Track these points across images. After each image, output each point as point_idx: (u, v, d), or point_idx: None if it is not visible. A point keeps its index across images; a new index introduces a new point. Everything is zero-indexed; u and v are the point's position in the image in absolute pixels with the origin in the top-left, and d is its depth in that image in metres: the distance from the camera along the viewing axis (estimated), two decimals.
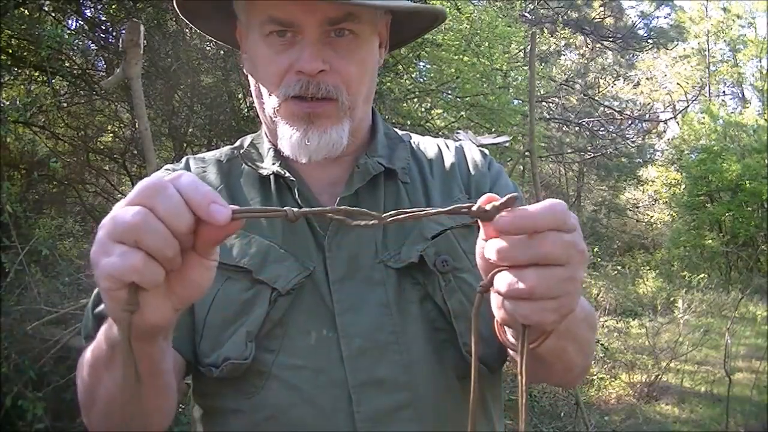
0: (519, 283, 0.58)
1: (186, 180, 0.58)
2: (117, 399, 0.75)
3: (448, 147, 1.06)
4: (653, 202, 17.21)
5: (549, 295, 0.59)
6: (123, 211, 0.57)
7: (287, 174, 0.95)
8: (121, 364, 0.68)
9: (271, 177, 0.96)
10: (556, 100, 12.74)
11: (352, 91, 0.90)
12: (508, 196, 0.60)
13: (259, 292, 0.88)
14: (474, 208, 0.61)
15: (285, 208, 0.61)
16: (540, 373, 0.88)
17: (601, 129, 14.31)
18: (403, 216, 0.63)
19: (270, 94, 0.92)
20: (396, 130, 1.08)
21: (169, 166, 1.03)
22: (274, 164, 0.96)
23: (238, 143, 1.05)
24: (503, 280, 0.59)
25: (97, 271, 0.58)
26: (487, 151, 1.07)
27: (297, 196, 0.94)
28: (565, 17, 13.48)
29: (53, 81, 4.00)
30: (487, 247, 0.60)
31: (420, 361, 0.88)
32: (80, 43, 4.56)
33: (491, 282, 0.61)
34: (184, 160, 1.03)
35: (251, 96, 1.00)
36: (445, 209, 0.63)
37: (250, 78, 0.97)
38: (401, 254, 0.91)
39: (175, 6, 0.96)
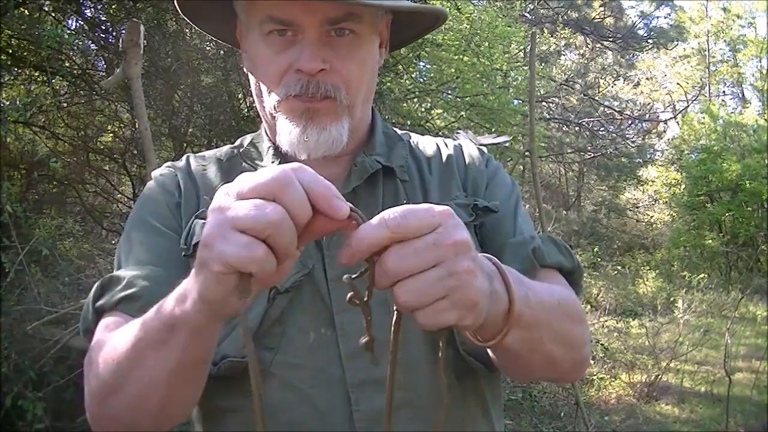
0: (398, 299, 0.60)
1: (308, 172, 0.59)
2: (162, 381, 0.74)
3: (446, 145, 1.06)
4: (653, 202, 17.21)
5: (429, 300, 0.59)
6: (258, 204, 0.57)
7: None
8: (182, 347, 0.70)
9: None
10: (556, 100, 12.75)
11: (351, 91, 0.90)
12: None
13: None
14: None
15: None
16: (521, 368, 0.87)
17: (601, 129, 14.33)
18: None
19: (270, 93, 0.92)
20: (395, 129, 1.08)
21: (169, 163, 1.03)
22: (273, 162, 0.96)
23: (238, 142, 1.05)
24: (394, 302, 0.61)
25: (210, 253, 0.59)
26: (485, 150, 1.07)
27: None
28: (565, 17, 13.48)
29: (53, 81, 4.00)
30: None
31: (418, 361, 0.88)
32: (80, 43, 4.56)
33: None
34: (184, 157, 1.03)
35: (251, 96, 1.00)
36: None
37: (250, 77, 0.97)
38: None
39: (176, 5, 0.97)
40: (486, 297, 0.64)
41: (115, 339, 0.79)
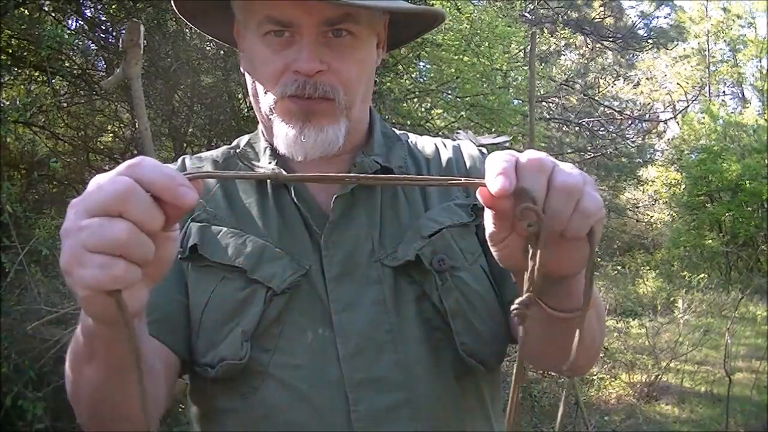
0: (589, 207, 0.62)
1: (147, 167, 0.58)
2: (101, 389, 0.75)
3: (445, 146, 1.06)
4: (653, 202, 17.21)
5: (579, 185, 0.62)
6: (104, 224, 0.56)
7: (284, 173, 0.95)
8: (103, 355, 0.70)
9: None
10: (556, 100, 12.73)
11: (349, 92, 0.90)
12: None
13: (254, 292, 0.87)
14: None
15: (275, 172, 0.64)
16: (562, 351, 0.86)
17: (601, 129, 14.30)
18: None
19: (266, 93, 0.92)
20: (394, 129, 1.08)
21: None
22: (270, 163, 0.96)
23: (234, 143, 1.05)
24: (556, 202, 0.61)
25: (71, 280, 0.58)
26: (485, 150, 1.07)
27: (293, 195, 0.94)
28: (565, 17, 13.48)
29: (53, 81, 4.00)
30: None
31: (417, 360, 0.88)
32: (80, 43, 4.56)
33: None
34: (180, 159, 1.03)
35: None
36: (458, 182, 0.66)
37: (247, 77, 0.97)
38: (397, 253, 0.91)
39: (173, 6, 0.97)
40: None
41: (68, 354, 0.80)
